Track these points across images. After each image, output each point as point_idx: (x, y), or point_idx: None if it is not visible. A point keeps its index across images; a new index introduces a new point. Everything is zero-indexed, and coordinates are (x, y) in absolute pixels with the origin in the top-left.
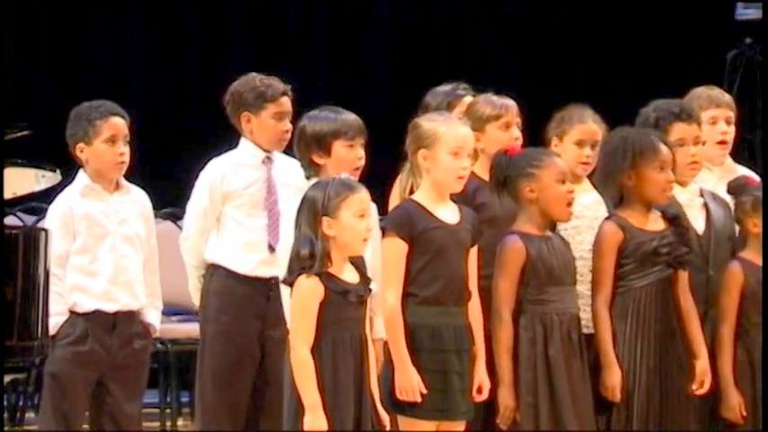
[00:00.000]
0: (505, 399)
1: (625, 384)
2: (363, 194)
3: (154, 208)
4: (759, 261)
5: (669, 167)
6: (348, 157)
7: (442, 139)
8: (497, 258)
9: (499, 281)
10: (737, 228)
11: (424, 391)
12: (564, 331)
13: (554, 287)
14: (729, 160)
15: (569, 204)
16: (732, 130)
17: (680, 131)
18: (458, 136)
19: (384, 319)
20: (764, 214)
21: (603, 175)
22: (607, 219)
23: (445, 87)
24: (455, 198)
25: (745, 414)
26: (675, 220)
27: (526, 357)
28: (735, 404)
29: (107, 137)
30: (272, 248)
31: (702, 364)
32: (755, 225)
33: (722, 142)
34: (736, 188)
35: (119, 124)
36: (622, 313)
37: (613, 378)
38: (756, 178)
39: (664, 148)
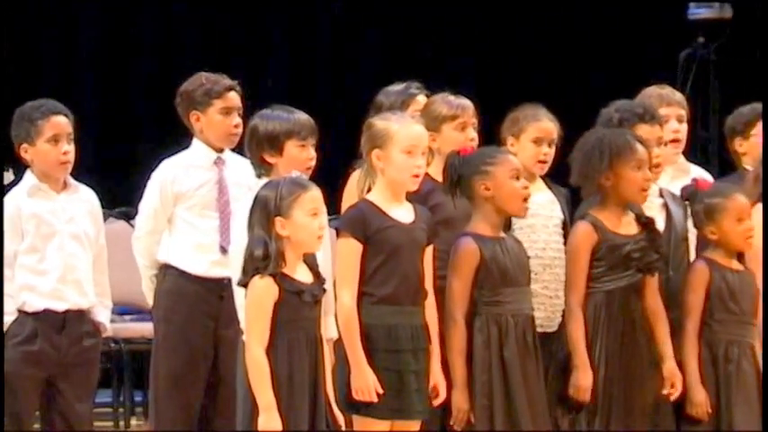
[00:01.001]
0: (459, 401)
1: (594, 386)
2: (315, 192)
3: (107, 207)
4: (722, 261)
5: (646, 166)
6: (300, 156)
7: (395, 138)
8: (450, 260)
9: (452, 283)
10: (696, 231)
11: (381, 392)
12: (519, 333)
13: (508, 288)
14: (682, 159)
15: (525, 200)
16: (684, 128)
17: (643, 133)
18: (411, 134)
19: (340, 320)
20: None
21: (581, 177)
22: (582, 219)
23: (397, 87)
24: (410, 198)
25: (710, 411)
26: (649, 224)
27: (481, 360)
28: (701, 401)
29: (49, 136)
30: (223, 250)
31: (669, 367)
32: (713, 233)
33: (674, 141)
34: (688, 196)
35: (61, 123)
36: (591, 315)
37: (586, 379)
38: (709, 178)
39: (640, 147)
